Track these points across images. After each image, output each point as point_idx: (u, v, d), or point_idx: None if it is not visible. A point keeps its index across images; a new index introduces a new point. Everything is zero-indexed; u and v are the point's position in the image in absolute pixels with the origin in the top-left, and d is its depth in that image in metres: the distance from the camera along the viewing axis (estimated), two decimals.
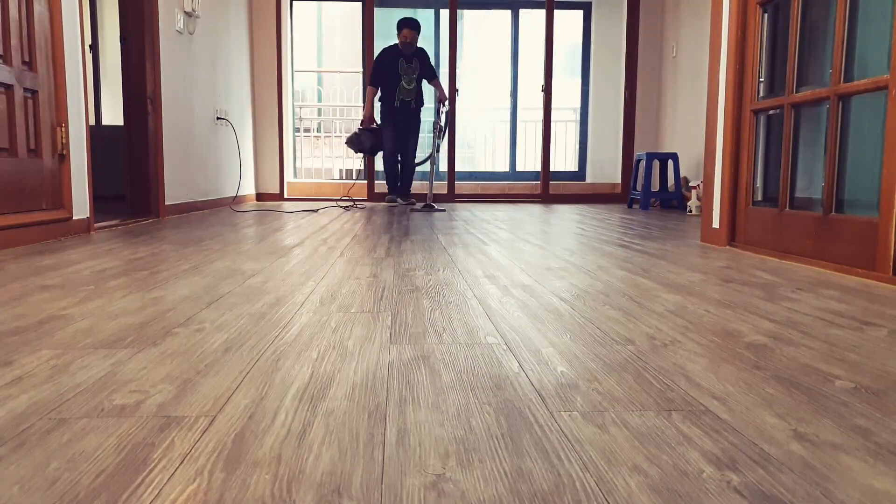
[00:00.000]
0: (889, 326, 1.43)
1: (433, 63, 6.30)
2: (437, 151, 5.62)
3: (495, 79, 8.04)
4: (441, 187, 6.85)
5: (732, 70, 2.82)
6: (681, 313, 1.54)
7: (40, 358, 1.14)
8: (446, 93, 5.89)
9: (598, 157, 7.21)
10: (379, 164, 6.47)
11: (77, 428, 0.84)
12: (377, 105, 5.88)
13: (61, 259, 2.34)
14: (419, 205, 5.79)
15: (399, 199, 6.02)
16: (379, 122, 5.83)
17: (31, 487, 0.68)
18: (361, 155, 6.29)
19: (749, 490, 0.69)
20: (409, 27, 5.68)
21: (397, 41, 5.76)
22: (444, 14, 6.95)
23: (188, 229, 3.50)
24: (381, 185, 6.91)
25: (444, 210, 5.39)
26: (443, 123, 5.74)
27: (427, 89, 6.11)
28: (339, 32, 9.71)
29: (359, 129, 5.77)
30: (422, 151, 6.29)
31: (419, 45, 5.83)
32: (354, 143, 5.74)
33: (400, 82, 5.80)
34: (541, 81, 6.68)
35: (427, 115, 6.31)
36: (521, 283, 1.92)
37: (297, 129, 7.37)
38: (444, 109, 5.79)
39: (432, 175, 5.56)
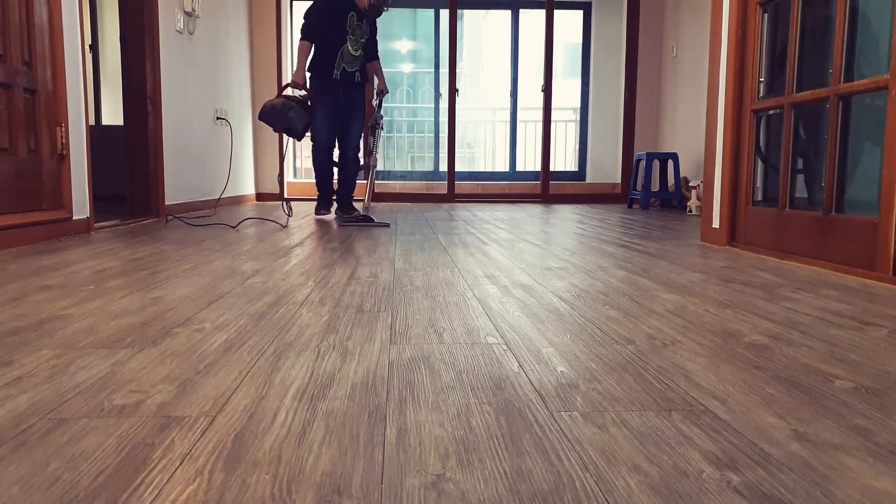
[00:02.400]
0: (889, 326, 1.43)
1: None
2: (375, 152, 4.32)
3: (495, 79, 8.04)
4: (441, 187, 6.85)
5: (732, 70, 2.82)
6: (681, 313, 1.53)
7: (40, 358, 1.14)
8: (387, 83, 4.51)
9: (598, 157, 7.21)
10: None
11: (77, 428, 0.84)
12: (307, 75, 4.20)
13: (61, 259, 2.34)
14: (355, 214, 4.22)
15: (338, 213, 4.35)
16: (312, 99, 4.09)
17: (31, 487, 0.68)
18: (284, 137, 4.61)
19: (749, 490, 0.69)
20: None
21: None
22: (444, 14, 6.95)
23: (188, 229, 3.50)
24: (380, 185, 6.91)
25: (387, 224, 3.89)
26: (381, 118, 4.40)
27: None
28: None
29: (285, 97, 3.92)
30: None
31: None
32: (279, 118, 3.83)
33: (345, 44, 4.07)
34: (541, 81, 6.68)
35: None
36: (522, 283, 1.92)
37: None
38: (378, 104, 4.49)
39: (372, 178, 4.35)
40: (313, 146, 4.28)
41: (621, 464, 0.75)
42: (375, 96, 4.48)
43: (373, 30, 4.32)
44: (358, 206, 4.69)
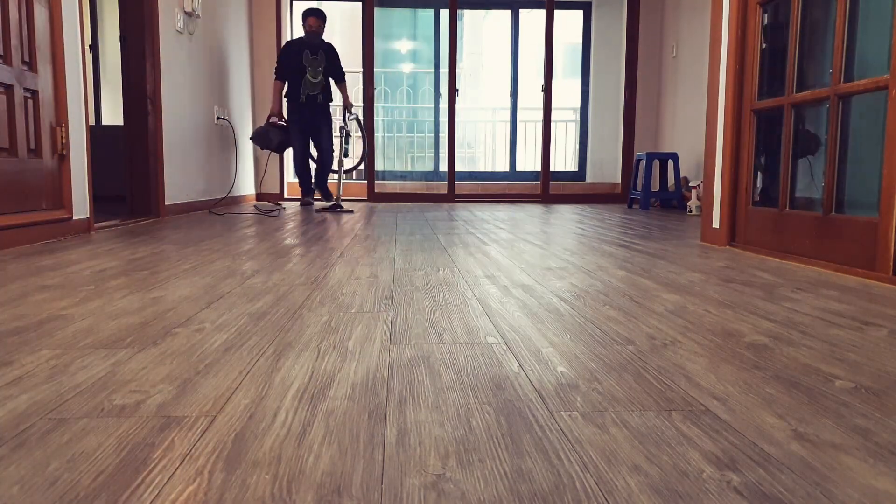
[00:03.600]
0: (889, 326, 1.43)
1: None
2: (346, 156, 5.36)
3: (495, 79, 8.04)
4: (441, 187, 6.86)
5: (732, 70, 2.82)
6: (681, 313, 1.53)
7: (40, 358, 1.14)
8: (351, 100, 5.68)
9: (598, 157, 7.21)
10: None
11: (77, 428, 0.84)
12: (284, 102, 5.67)
13: (61, 259, 2.34)
14: (328, 204, 5.46)
15: (320, 201, 5.82)
16: (287, 119, 5.65)
17: (31, 487, 0.68)
18: (268, 152, 6.24)
19: (749, 490, 0.69)
20: (314, 16, 5.46)
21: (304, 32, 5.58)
22: (444, 14, 6.95)
23: (188, 229, 3.50)
24: (380, 185, 6.92)
25: (351, 211, 5.13)
26: (349, 129, 5.49)
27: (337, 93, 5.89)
28: (338, 32, 9.71)
29: (265, 124, 5.61)
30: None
31: (332, 42, 5.64)
32: (261, 139, 5.50)
33: (305, 75, 5.47)
34: (541, 81, 6.68)
35: (337, 114, 6.24)
36: (522, 283, 1.92)
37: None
38: (350, 117, 5.58)
39: (340, 175, 5.27)
40: (293, 155, 5.70)
41: (621, 464, 0.75)
42: (344, 110, 5.65)
43: (328, 58, 5.59)
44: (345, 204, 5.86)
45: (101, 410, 0.90)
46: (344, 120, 5.42)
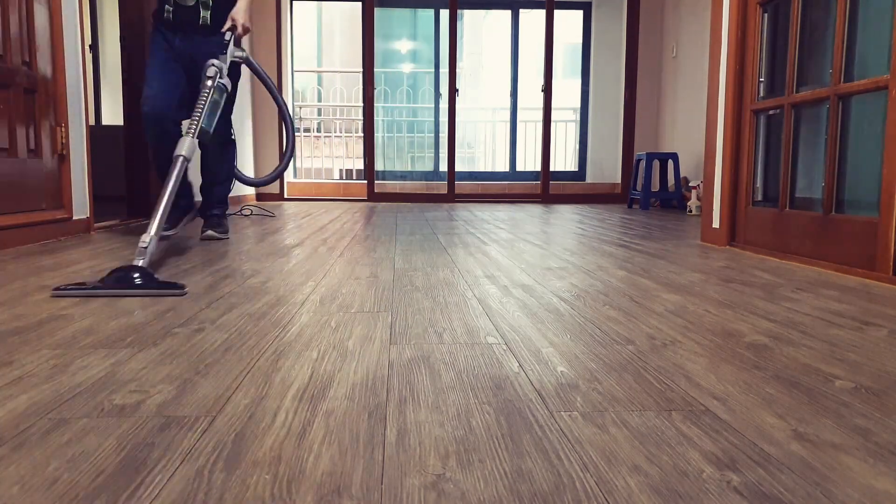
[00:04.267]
0: (889, 326, 1.43)
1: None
2: (192, 132, 2.33)
3: (495, 79, 8.04)
4: (441, 187, 6.85)
5: (732, 70, 2.82)
6: (681, 313, 1.53)
7: (40, 358, 1.14)
8: (249, 18, 2.86)
9: (598, 157, 7.21)
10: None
11: (77, 428, 0.84)
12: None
13: (61, 259, 2.34)
14: (222, 228, 3.07)
15: (203, 230, 3.04)
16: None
17: (31, 487, 0.68)
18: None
19: (749, 490, 0.69)
20: None
21: None
22: (444, 14, 6.95)
23: (188, 229, 3.50)
24: (380, 185, 6.91)
25: (182, 290, 1.74)
26: (224, 79, 2.56)
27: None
28: (338, 32, 9.72)
29: None
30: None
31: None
32: None
33: None
34: (541, 81, 6.68)
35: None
36: (522, 283, 1.92)
37: (296, 129, 7.36)
38: (234, 53, 2.79)
39: (173, 182, 2.16)
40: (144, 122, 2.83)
41: (621, 464, 0.75)
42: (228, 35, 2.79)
43: None
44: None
45: (101, 410, 0.90)
46: (224, 55, 2.68)
